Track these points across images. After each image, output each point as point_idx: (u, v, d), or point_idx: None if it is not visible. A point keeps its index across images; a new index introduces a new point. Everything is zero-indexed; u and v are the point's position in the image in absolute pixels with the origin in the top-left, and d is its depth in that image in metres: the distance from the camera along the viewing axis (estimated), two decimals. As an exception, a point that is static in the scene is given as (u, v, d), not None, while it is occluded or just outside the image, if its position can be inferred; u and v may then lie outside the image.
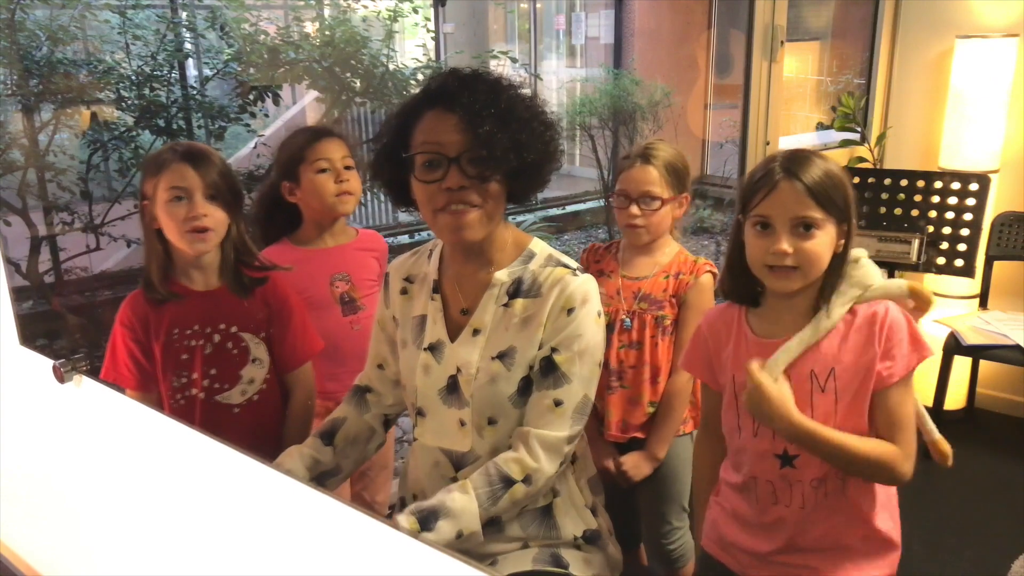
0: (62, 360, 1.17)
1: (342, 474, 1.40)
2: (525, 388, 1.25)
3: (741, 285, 1.35)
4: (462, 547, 1.16)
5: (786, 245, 1.23)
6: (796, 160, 1.25)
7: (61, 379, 1.18)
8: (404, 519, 1.14)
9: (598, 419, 1.81)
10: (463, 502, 1.17)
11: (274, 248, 1.81)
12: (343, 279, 1.82)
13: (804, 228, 1.23)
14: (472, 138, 1.18)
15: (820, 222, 1.23)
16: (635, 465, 1.76)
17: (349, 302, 1.82)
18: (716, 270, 1.75)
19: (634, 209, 1.71)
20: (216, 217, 1.47)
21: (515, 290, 1.27)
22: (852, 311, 1.28)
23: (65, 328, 3.70)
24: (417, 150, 1.21)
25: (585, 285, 1.25)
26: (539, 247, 1.31)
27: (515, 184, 1.25)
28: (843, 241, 1.28)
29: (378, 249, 1.91)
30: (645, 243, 1.76)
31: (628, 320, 1.74)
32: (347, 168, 1.79)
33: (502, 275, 1.28)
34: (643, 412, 1.76)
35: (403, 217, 5.86)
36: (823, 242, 1.24)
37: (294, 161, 1.77)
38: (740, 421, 1.35)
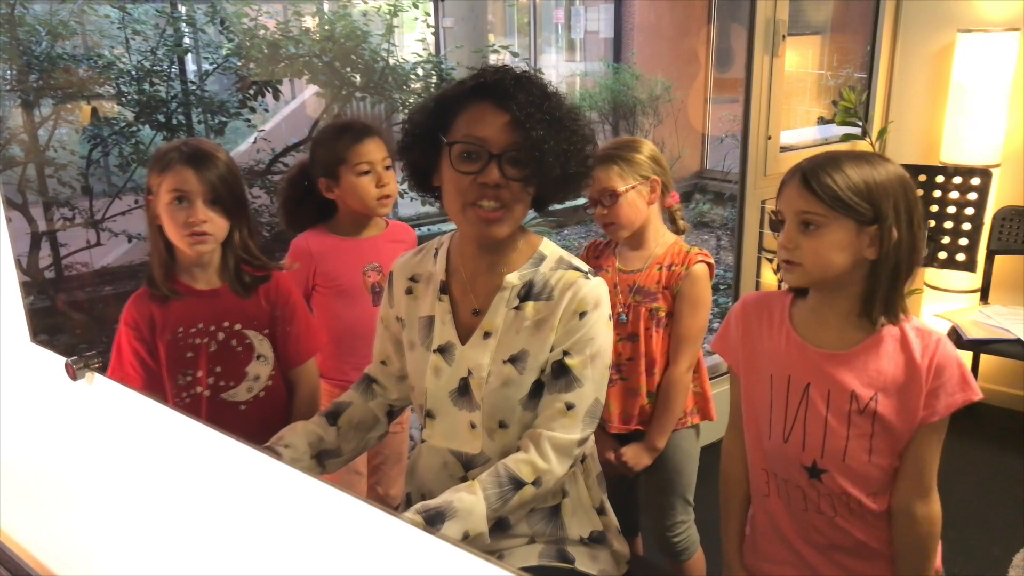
0: (74, 358, 1.17)
1: (343, 457, 1.39)
2: (536, 391, 1.24)
3: None
4: (467, 548, 1.15)
5: (786, 239, 1.24)
6: (815, 160, 1.24)
7: (73, 376, 1.18)
8: (409, 520, 1.11)
9: None
10: (471, 503, 1.15)
11: (309, 234, 1.84)
12: (375, 269, 1.85)
13: (804, 225, 1.22)
14: (520, 138, 1.17)
15: (822, 220, 1.20)
16: (634, 455, 1.78)
17: (379, 292, 1.84)
18: (711, 260, 1.76)
19: (600, 209, 1.76)
20: (216, 223, 1.46)
21: (526, 293, 1.26)
22: (903, 331, 1.25)
23: (67, 324, 3.70)
24: (460, 139, 1.20)
25: (597, 289, 1.24)
26: (549, 249, 1.30)
27: (547, 191, 1.24)
28: (879, 248, 1.20)
29: (408, 240, 1.93)
30: (623, 236, 1.78)
31: (624, 315, 1.77)
32: (387, 169, 1.80)
33: (513, 278, 1.26)
34: (642, 403, 1.79)
35: (402, 212, 5.86)
36: (828, 241, 1.21)
37: (335, 161, 1.78)
38: (772, 422, 1.33)
